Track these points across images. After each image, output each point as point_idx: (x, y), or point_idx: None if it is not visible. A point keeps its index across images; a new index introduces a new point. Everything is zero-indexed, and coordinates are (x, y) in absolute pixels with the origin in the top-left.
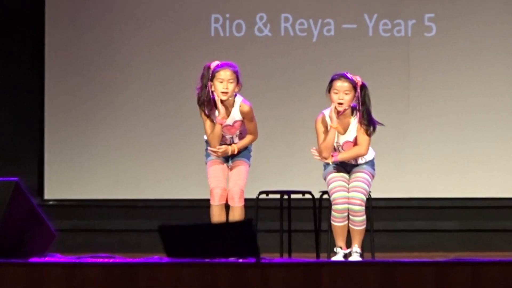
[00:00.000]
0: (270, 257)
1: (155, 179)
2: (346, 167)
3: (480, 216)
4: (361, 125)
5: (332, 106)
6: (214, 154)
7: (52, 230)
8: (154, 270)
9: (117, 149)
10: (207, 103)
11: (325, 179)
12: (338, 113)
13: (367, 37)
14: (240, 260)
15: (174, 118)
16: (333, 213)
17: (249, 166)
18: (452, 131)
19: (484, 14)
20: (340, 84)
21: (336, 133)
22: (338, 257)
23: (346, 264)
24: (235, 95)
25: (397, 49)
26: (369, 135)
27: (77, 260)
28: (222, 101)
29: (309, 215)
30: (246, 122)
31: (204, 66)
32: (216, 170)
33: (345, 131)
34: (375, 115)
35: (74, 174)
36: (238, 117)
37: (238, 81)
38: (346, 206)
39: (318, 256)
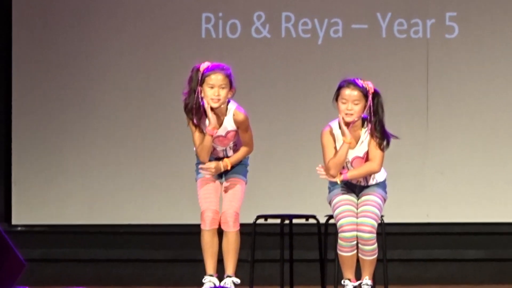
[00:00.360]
0: None
1: (138, 202)
2: (354, 189)
3: (508, 243)
4: (373, 138)
5: (340, 117)
6: (206, 172)
7: (21, 259)
8: None
9: (94, 168)
10: (195, 111)
11: (330, 203)
12: (347, 125)
13: (380, 39)
14: None
15: (159, 132)
16: (340, 241)
17: (246, 183)
18: (476, 147)
19: None
20: (349, 93)
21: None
22: None
23: None
24: (228, 102)
25: (414, 52)
26: (382, 149)
27: None
28: (212, 109)
29: (314, 242)
30: (241, 132)
31: (193, 68)
32: (207, 190)
33: (355, 145)
34: (389, 128)
35: (45, 196)
36: (232, 126)
37: (231, 86)
38: (354, 233)
39: None
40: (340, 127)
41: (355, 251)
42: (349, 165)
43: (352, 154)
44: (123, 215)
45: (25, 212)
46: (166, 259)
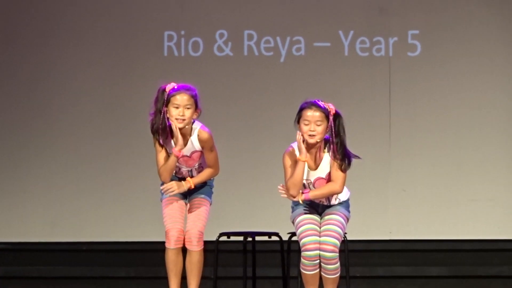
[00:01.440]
0: None
1: (102, 219)
2: (317, 208)
3: (472, 260)
4: (334, 160)
5: (298, 136)
6: (169, 192)
7: None
8: None
9: (55, 186)
10: (162, 131)
11: (293, 222)
12: (309, 146)
13: (343, 57)
14: None
15: (123, 149)
16: (302, 260)
17: (210, 204)
18: (439, 165)
19: (476, 29)
20: (311, 114)
21: (307, 168)
22: None
23: None
24: (193, 122)
25: (376, 70)
26: (343, 170)
27: None
28: (179, 130)
29: (277, 259)
30: (206, 152)
31: (159, 89)
32: (172, 209)
33: (317, 166)
34: (351, 147)
35: (6, 214)
36: (197, 146)
37: (196, 107)
38: (317, 252)
39: None
40: (298, 147)
41: (318, 270)
42: (311, 186)
43: (314, 175)
44: (86, 232)
45: None
46: (129, 276)
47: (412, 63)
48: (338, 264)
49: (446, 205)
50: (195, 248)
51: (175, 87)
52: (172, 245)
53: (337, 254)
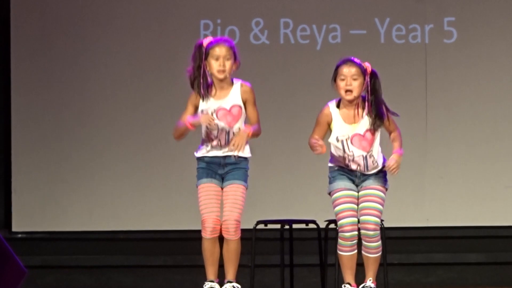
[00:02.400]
0: None
1: (138, 208)
2: (354, 178)
3: (509, 247)
4: (369, 116)
5: (313, 141)
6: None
7: (22, 266)
8: None
9: (93, 175)
10: (202, 85)
11: (330, 194)
12: (347, 102)
13: (379, 44)
14: None
15: (159, 139)
16: (340, 240)
17: (246, 188)
18: (476, 151)
19: None
20: (347, 69)
21: (345, 124)
22: None
23: None
24: (232, 78)
25: (412, 58)
26: (376, 128)
27: None
28: (219, 81)
29: (314, 247)
30: (249, 107)
31: (195, 45)
32: (208, 197)
33: (355, 122)
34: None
35: (44, 204)
36: (238, 100)
37: (236, 59)
38: (354, 233)
39: None
40: (338, 106)
41: (355, 251)
42: (348, 141)
43: (352, 131)
44: (123, 221)
45: (25, 219)
46: (166, 265)
47: (448, 50)
48: (380, 242)
49: (483, 192)
50: (233, 237)
51: (212, 40)
52: (208, 235)
53: (379, 231)
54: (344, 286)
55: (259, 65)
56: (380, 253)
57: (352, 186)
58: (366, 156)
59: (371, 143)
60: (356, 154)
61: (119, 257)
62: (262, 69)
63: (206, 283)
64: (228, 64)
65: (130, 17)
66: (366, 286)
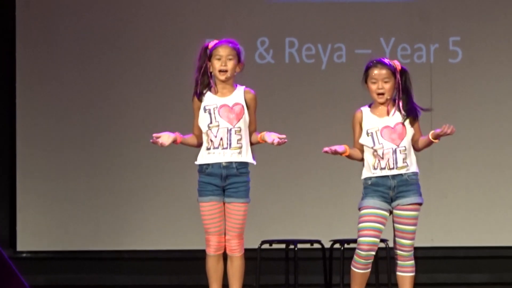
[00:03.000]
0: None
1: (142, 227)
2: (388, 191)
3: None
4: (401, 114)
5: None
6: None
7: (26, 285)
8: None
9: (98, 194)
10: (204, 86)
11: (359, 209)
12: (383, 103)
13: None
14: None
15: (162, 158)
16: (355, 257)
17: (249, 203)
18: (480, 170)
19: None
20: (378, 72)
21: (376, 116)
22: None
23: None
24: (235, 85)
25: (418, 77)
26: (412, 123)
27: None
28: (221, 81)
29: (319, 267)
30: (252, 115)
31: (201, 46)
32: (211, 214)
33: (387, 114)
34: None
35: (49, 223)
36: (241, 100)
37: (239, 60)
38: (371, 253)
39: None
40: (371, 108)
41: (368, 270)
42: (378, 133)
43: (383, 124)
44: (127, 240)
45: (29, 239)
46: (172, 285)
47: (454, 69)
48: (413, 261)
49: (488, 212)
50: (237, 254)
51: (217, 42)
52: (212, 252)
53: (413, 252)
54: None
55: (264, 84)
56: (414, 273)
57: (383, 205)
58: (395, 150)
59: (402, 137)
60: (385, 147)
61: (124, 276)
62: (267, 88)
63: None
64: (230, 64)
65: (135, 37)
66: None
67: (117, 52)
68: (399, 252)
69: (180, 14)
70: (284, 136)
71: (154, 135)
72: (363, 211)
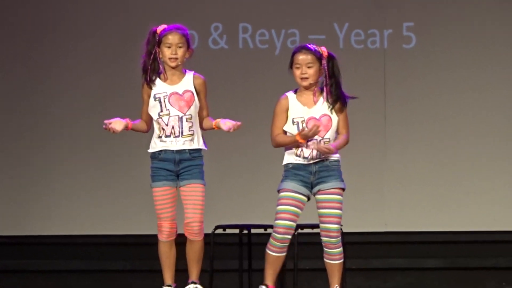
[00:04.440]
0: None
1: (96, 212)
2: (309, 176)
3: (467, 252)
4: (327, 101)
5: (309, 128)
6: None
7: None
8: None
9: (51, 180)
10: (152, 72)
11: (278, 191)
12: (305, 88)
13: (338, 50)
14: None
15: (114, 142)
16: (271, 240)
17: (204, 185)
18: (434, 157)
19: (471, 22)
20: (302, 57)
21: (302, 106)
22: None
23: None
24: (184, 70)
25: (371, 63)
26: (339, 111)
27: None
28: (171, 68)
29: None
30: (203, 99)
31: (149, 31)
32: (163, 201)
33: (312, 105)
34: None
35: (4, 208)
36: (191, 87)
37: (189, 46)
38: (286, 236)
39: None
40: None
41: (283, 254)
42: (303, 124)
43: (308, 114)
44: (82, 225)
45: None
46: (125, 270)
47: (407, 55)
48: (342, 248)
49: (441, 198)
50: (197, 238)
51: (166, 27)
52: (164, 238)
53: (340, 238)
54: (261, 287)
55: (218, 70)
56: (342, 260)
57: (303, 189)
58: (320, 141)
59: (327, 129)
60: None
61: (78, 261)
62: (221, 74)
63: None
64: (180, 51)
65: (91, 21)
66: None
67: (68, 36)
68: (326, 239)
69: (138, 1)
70: (239, 123)
71: (106, 121)
72: (282, 194)
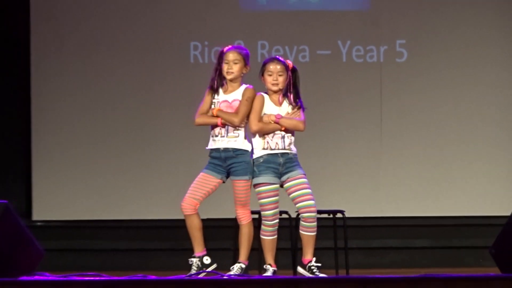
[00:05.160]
0: (251, 274)
1: (140, 200)
2: (278, 165)
3: (450, 234)
4: (291, 105)
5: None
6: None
7: (40, 249)
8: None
9: (103, 170)
10: (217, 83)
11: (254, 186)
12: (273, 92)
13: (341, 63)
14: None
15: (157, 140)
16: (264, 227)
17: (249, 179)
18: (423, 153)
19: (454, 39)
20: (274, 66)
21: (271, 104)
22: (268, 274)
23: (322, 280)
24: (242, 82)
25: (369, 74)
26: (303, 112)
27: (64, 279)
28: (230, 81)
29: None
30: (241, 100)
31: (219, 51)
32: (199, 183)
33: (279, 105)
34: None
35: (60, 196)
36: (239, 96)
37: (246, 64)
38: (276, 222)
39: (295, 273)
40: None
41: (276, 236)
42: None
43: (275, 112)
44: (127, 211)
45: (43, 210)
46: (165, 248)
47: (400, 68)
48: (316, 222)
49: (429, 187)
50: (243, 222)
51: (228, 47)
52: (184, 213)
53: (316, 212)
54: (266, 266)
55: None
56: (316, 232)
57: (275, 179)
58: (284, 136)
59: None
60: (276, 132)
61: (123, 242)
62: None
63: (190, 259)
64: (235, 67)
65: (133, 42)
66: (313, 266)
67: (125, 52)
68: (307, 214)
69: (173, 22)
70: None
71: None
72: (262, 188)
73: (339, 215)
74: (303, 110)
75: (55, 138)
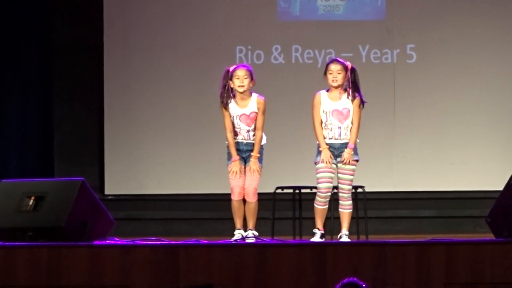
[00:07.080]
0: (285, 239)
1: (192, 177)
2: (333, 149)
3: (453, 205)
4: (350, 98)
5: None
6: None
7: (111, 219)
8: (192, 250)
9: (162, 154)
10: (227, 99)
11: (315, 163)
12: (334, 88)
13: (361, 63)
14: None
15: (206, 128)
16: (317, 198)
17: (262, 166)
18: (431, 139)
19: (459, 43)
20: (334, 66)
21: (330, 100)
22: (317, 237)
23: (346, 244)
24: (251, 92)
25: (385, 73)
26: (359, 107)
27: (131, 243)
28: (240, 93)
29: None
30: (259, 114)
31: (224, 70)
32: (236, 172)
33: (337, 100)
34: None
35: (128, 174)
36: (255, 108)
37: (252, 78)
38: (328, 194)
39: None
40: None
41: (326, 207)
42: (329, 114)
43: (333, 107)
44: (182, 186)
45: (114, 185)
46: (211, 218)
47: (410, 68)
48: (351, 202)
49: (435, 167)
50: (252, 200)
51: (235, 66)
52: (236, 198)
53: (350, 194)
54: (314, 230)
55: (278, 79)
56: (351, 210)
57: (332, 158)
58: (340, 127)
59: (346, 117)
60: (334, 124)
61: (179, 212)
62: (280, 81)
63: (236, 230)
64: (246, 81)
65: (188, 47)
66: (343, 234)
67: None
68: (341, 194)
69: (222, 29)
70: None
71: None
72: (319, 165)
73: (360, 190)
74: (363, 104)
75: (123, 127)
